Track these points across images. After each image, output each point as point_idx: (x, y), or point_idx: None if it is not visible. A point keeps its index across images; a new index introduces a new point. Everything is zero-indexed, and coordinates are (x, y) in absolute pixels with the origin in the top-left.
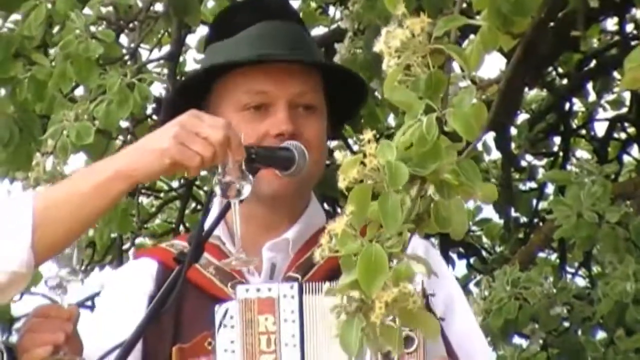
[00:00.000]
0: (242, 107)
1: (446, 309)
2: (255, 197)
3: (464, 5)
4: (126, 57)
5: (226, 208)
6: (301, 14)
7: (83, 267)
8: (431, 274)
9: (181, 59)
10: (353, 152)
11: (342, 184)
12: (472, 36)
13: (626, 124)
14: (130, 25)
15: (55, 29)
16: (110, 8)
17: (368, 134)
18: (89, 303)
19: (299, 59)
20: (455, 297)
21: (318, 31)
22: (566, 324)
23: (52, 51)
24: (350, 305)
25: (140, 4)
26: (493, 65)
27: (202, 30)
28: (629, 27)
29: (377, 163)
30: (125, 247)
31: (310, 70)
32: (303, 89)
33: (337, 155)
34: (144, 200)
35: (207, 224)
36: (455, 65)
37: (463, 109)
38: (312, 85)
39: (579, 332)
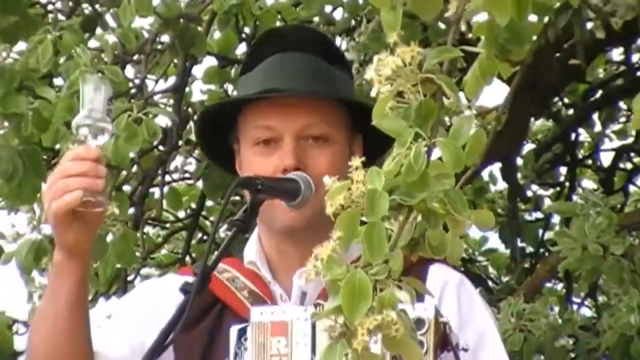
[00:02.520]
0: (254, 142)
1: (477, 343)
2: (275, 231)
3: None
4: (133, 90)
5: (231, 240)
6: None
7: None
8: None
9: (188, 89)
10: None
11: (329, 210)
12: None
13: (632, 154)
14: (136, 57)
15: (62, 59)
16: (116, 40)
17: (356, 161)
18: None
19: (300, 91)
20: (487, 333)
21: None
22: (572, 355)
23: (57, 80)
24: (334, 331)
25: (146, 35)
26: (499, 95)
27: (209, 61)
28: (635, 57)
29: (363, 190)
30: (130, 277)
31: (321, 101)
32: (309, 121)
33: (326, 180)
34: (150, 230)
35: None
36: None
37: (458, 139)
38: (322, 117)
39: None
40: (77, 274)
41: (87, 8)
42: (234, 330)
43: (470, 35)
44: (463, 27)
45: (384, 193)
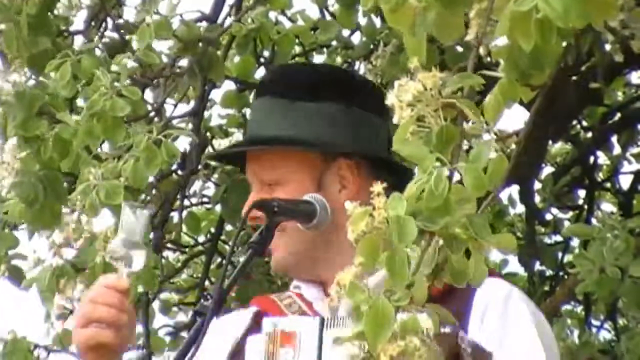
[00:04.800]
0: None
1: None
2: None
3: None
4: (152, 114)
5: (246, 262)
6: None
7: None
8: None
9: (207, 113)
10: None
11: (351, 236)
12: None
13: None
14: (155, 81)
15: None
16: (135, 64)
17: (378, 187)
18: None
19: (248, 141)
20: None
21: None
22: None
23: (78, 103)
24: (358, 357)
25: (165, 60)
26: (518, 119)
27: (227, 85)
28: None
29: (385, 216)
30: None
31: (271, 147)
32: (260, 169)
33: (347, 205)
34: (169, 255)
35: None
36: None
37: (478, 163)
38: (272, 162)
39: None
40: None
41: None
42: (249, 340)
43: (488, 59)
44: (482, 51)
45: (410, 218)
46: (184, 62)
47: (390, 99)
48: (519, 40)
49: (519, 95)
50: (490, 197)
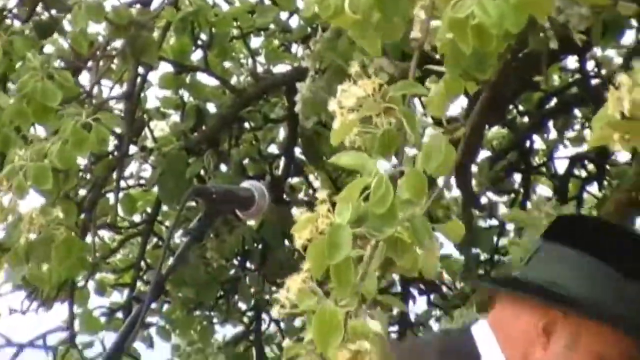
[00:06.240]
0: None
1: None
2: None
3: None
4: (84, 95)
5: (185, 249)
6: (264, 51)
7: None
8: None
9: (143, 95)
10: (313, 189)
11: (297, 243)
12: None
13: (586, 162)
14: (88, 63)
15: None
16: (68, 46)
17: (322, 194)
18: (40, 342)
19: None
20: None
21: (281, 68)
22: None
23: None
24: None
25: (100, 39)
26: (455, 104)
27: (165, 67)
28: (590, 65)
29: (328, 223)
30: (81, 284)
31: None
32: None
33: (294, 212)
34: (105, 235)
35: None
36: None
37: (429, 160)
38: None
39: None
40: None
41: (43, 14)
42: None
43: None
44: (427, 47)
45: (345, 227)
46: (119, 44)
47: (332, 105)
48: (458, 44)
49: (462, 90)
50: (437, 191)
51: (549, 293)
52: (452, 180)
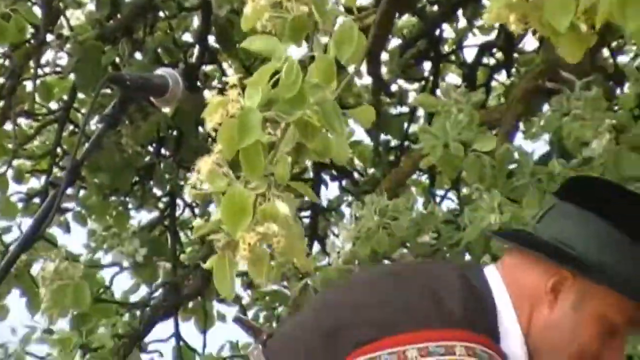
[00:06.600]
0: None
1: None
2: None
3: None
4: None
5: (100, 135)
6: None
7: None
8: None
9: None
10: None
11: (208, 126)
12: None
13: (494, 50)
14: None
15: None
16: None
17: (232, 79)
18: None
19: None
20: None
21: None
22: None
23: None
24: (220, 241)
25: None
26: None
27: None
28: None
29: (238, 108)
30: (2, 170)
31: None
32: None
33: (206, 94)
34: (22, 122)
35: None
36: None
37: (342, 47)
38: None
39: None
40: None
41: None
42: None
43: None
44: None
45: (256, 113)
46: None
47: None
48: None
49: None
50: (348, 77)
51: (561, 252)
52: (363, 68)
